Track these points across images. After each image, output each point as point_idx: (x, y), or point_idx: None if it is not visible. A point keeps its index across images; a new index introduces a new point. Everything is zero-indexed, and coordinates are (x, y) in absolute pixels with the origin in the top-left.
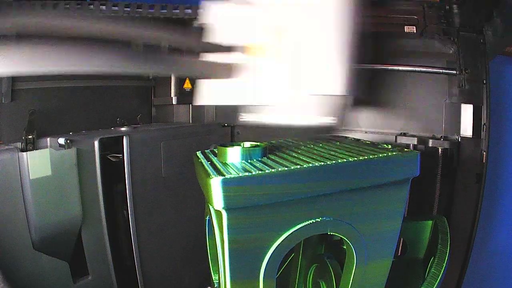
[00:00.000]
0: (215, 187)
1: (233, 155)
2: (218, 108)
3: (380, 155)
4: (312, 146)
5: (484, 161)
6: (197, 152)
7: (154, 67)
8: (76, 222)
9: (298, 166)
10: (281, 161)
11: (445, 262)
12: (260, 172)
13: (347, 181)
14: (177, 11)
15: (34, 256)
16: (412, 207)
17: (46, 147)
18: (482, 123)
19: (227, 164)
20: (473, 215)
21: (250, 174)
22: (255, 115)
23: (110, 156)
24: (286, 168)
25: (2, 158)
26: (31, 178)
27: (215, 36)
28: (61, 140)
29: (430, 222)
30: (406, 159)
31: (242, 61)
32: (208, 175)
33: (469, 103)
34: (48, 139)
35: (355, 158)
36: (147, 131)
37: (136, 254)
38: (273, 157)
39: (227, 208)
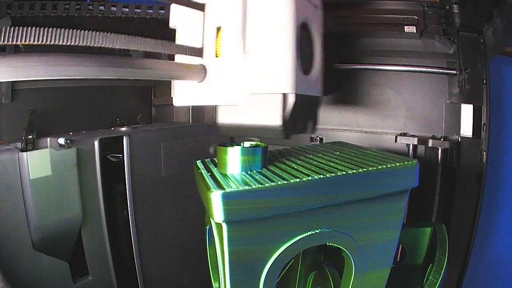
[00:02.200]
0: (215, 200)
1: (233, 166)
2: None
3: (379, 167)
4: (311, 155)
5: (484, 161)
6: (197, 162)
7: (123, 72)
8: (76, 222)
9: (298, 180)
10: (280, 173)
11: (443, 270)
12: (260, 185)
13: (346, 193)
14: None
15: (34, 256)
16: (412, 207)
17: (46, 147)
18: (482, 123)
19: (227, 176)
20: (473, 216)
21: (250, 187)
22: (232, 115)
23: (110, 156)
24: (285, 182)
25: (2, 158)
26: (31, 178)
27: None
28: (61, 140)
29: (429, 229)
30: (405, 170)
31: (205, 63)
32: (209, 188)
33: (469, 103)
34: (48, 139)
35: (354, 171)
36: (147, 131)
37: (136, 254)
38: (272, 168)
39: (227, 221)
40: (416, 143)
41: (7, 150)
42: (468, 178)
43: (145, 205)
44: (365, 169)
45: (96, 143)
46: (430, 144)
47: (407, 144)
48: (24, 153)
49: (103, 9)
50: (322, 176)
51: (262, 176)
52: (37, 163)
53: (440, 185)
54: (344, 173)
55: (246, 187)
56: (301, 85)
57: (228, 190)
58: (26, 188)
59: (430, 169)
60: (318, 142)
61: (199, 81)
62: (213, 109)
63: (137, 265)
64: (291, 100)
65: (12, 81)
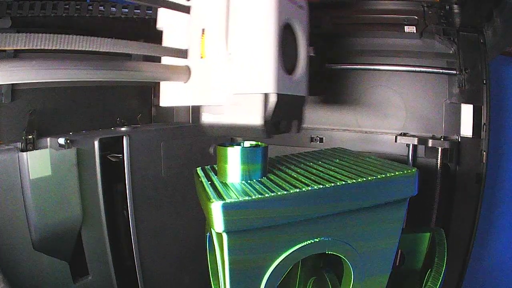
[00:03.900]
0: (216, 211)
1: (233, 175)
2: None
3: (379, 176)
4: (311, 163)
5: (484, 161)
6: (198, 169)
7: (112, 75)
8: (76, 222)
9: (297, 190)
10: (280, 183)
11: (442, 276)
12: (260, 196)
13: (345, 203)
14: None
15: (34, 256)
16: (412, 208)
17: (46, 147)
18: (482, 123)
19: (227, 185)
20: (473, 216)
21: (250, 198)
22: (215, 115)
23: (110, 156)
24: (285, 192)
25: (2, 158)
26: (31, 178)
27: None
28: (61, 140)
29: (427, 234)
30: (404, 179)
31: (190, 64)
32: (209, 199)
33: (469, 103)
34: (48, 139)
35: (354, 180)
36: (147, 131)
37: (136, 254)
38: (272, 177)
39: (227, 231)
40: (416, 143)
41: (7, 150)
42: (468, 178)
43: (145, 205)
44: (364, 179)
45: (96, 143)
46: (430, 144)
47: (407, 144)
48: (24, 153)
49: (103, 9)
50: (321, 186)
51: (262, 186)
52: (37, 163)
53: (440, 185)
54: (344, 182)
55: (246, 198)
56: (283, 85)
57: (228, 200)
58: (26, 188)
59: (430, 169)
60: (318, 142)
61: (184, 82)
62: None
63: (137, 265)
64: (272, 100)
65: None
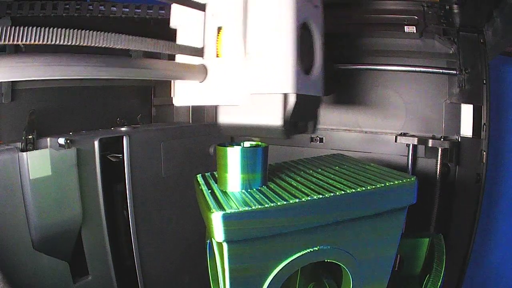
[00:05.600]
0: (216, 221)
1: (233, 184)
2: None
3: (378, 185)
4: (311, 171)
5: (484, 161)
6: (198, 176)
7: (125, 72)
8: (76, 222)
9: (297, 200)
10: (280, 192)
11: (440, 281)
12: (260, 206)
13: (344, 212)
14: None
15: (34, 256)
16: (412, 208)
17: (46, 147)
18: (482, 123)
19: (227, 194)
20: (472, 215)
21: (250, 208)
22: (233, 115)
23: (110, 156)
24: (285, 202)
25: (2, 158)
26: (31, 178)
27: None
28: (61, 140)
29: (426, 239)
30: (403, 188)
31: (206, 63)
32: (209, 208)
33: (469, 103)
34: (48, 139)
35: (353, 190)
36: (147, 131)
37: (136, 254)
38: (272, 186)
39: (228, 241)
40: (416, 143)
41: (7, 150)
42: (468, 178)
43: (145, 205)
44: (363, 188)
45: (96, 143)
46: (430, 144)
47: (407, 144)
48: (24, 153)
49: (103, 9)
50: (321, 196)
51: (262, 195)
52: (37, 163)
53: (439, 185)
54: (343, 192)
55: (246, 208)
56: (302, 85)
57: (228, 211)
58: (26, 188)
59: (430, 169)
60: (318, 142)
61: (200, 81)
62: (213, 109)
63: (137, 265)
64: (292, 100)
65: (12, 81)
